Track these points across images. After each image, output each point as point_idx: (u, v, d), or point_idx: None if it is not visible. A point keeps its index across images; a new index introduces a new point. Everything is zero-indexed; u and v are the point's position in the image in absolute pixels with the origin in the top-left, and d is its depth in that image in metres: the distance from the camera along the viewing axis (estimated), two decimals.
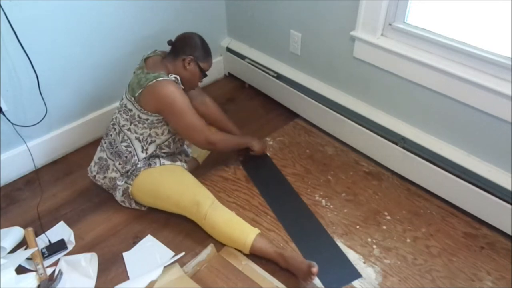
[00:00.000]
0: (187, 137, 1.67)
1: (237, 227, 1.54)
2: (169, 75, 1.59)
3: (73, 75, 1.89)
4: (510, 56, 1.39)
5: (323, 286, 1.46)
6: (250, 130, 2.16)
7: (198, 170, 1.91)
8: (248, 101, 2.41)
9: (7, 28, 1.57)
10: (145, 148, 1.64)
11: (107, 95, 2.06)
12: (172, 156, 1.75)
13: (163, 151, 1.70)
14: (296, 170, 1.94)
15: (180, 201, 1.60)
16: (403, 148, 1.78)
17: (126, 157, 1.64)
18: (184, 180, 1.65)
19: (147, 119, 1.59)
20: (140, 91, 1.55)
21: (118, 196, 1.71)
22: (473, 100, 1.50)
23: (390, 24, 1.66)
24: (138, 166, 1.65)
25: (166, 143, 1.69)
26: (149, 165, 1.66)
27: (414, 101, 1.71)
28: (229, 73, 2.60)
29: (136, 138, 1.63)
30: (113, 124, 1.68)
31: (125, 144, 1.64)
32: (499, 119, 1.46)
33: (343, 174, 1.92)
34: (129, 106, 1.60)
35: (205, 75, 1.69)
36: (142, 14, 1.99)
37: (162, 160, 1.68)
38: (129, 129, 1.62)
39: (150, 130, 1.62)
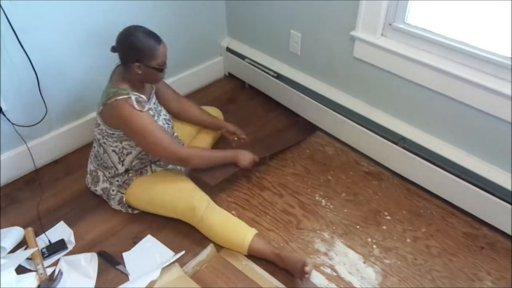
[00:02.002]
0: (152, 154, 1.58)
1: (233, 229, 1.54)
2: (130, 92, 1.48)
3: (73, 75, 1.89)
4: (510, 56, 1.39)
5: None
6: (250, 130, 2.16)
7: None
8: (248, 101, 2.41)
9: (7, 28, 1.57)
10: (121, 159, 1.61)
11: None
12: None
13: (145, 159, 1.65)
14: (296, 170, 1.94)
15: (175, 207, 1.59)
16: (403, 148, 1.78)
17: (111, 167, 1.64)
18: (177, 185, 1.63)
19: (113, 134, 1.55)
20: (101, 108, 1.52)
21: (114, 205, 1.71)
22: (473, 100, 1.50)
23: (390, 24, 1.66)
24: (130, 175, 1.65)
25: (143, 152, 1.61)
26: (141, 173, 1.66)
27: (414, 101, 1.71)
28: (229, 73, 2.60)
29: (112, 150, 1.60)
30: (94, 137, 1.66)
31: (105, 155, 1.63)
32: (499, 119, 1.46)
33: (343, 174, 1.92)
34: (98, 120, 1.57)
35: (163, 69, 1.52)
36: (142, 14, 1.98)
37: (154, 167, 1.67)
38: (104, 143, 1.59)
39: (121, 143, 1.57)
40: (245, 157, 1.70)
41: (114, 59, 1.99)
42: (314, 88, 2.06)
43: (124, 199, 1.67)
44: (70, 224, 1.70)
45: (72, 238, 1.63)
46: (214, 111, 2.06)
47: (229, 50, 2.46)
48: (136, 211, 1.71)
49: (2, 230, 1.61)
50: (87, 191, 1.83)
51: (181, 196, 1.59)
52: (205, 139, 1.96)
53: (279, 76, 2.21)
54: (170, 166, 1.72)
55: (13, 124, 1.75)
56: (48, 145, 1.95)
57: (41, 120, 1.82)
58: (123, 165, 1.62)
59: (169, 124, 1.69)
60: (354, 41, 1.78)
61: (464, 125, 1.59)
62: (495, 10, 1.41)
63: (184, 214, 1.59)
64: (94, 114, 2.05)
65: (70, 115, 1.99)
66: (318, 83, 2.07)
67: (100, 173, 1.68)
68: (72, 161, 2.00)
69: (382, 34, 1.70)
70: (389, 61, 1.68)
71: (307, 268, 1.39)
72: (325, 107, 2.02)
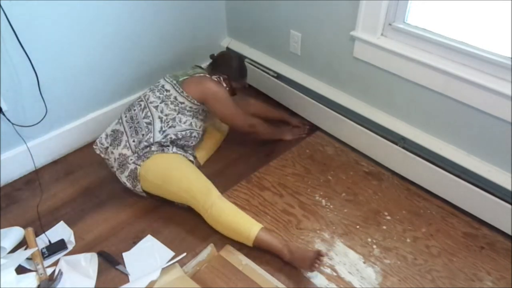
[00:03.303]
0: (231, 123, 1.89)
1: (242, 219, 1.55)
2: (212, 76, 1.80)
3: (73, 75, 1.89)
4: (510, 56, 1.39)
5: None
6: None
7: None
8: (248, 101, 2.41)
9: (7, 28, 1.57)
10: (163, 129, 1.68)
11: (107, 95, 2.06)
12: (182, 148, 1.78)
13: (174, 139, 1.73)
14: (296, 170, 1.94)
15: (191, 187, 1.60)
16: (403, 148, 1.78)
17: (143, 134, 1.66)
18: (196, 170, 1.69)
19: (182, 102, 1.71)
20: (185, 77, 1.74)
21: (123, 176, 1.70)
22: (473, 100, 1.50)
23: (390, 24, 1.66)
24: (152, 149, 1.66)
25: (183, 133, 1.72)
26: (163, 150, 1.68)
27: (414, 101, 1.71)
28: None
29: (159, 117, 1.69)
30: (140, 101, 1.76)
31: (146, 120, 1.68)
32: (499, 119, 1.46)
33: (343, 174, 1.92)
34: (167, 87, 1.73)
35: (241, 89, 1.92)
36: (142, 14, 1.98)
37: (176, 149, 1.72)
38: (156, 107, 1.70)
39: (177, 114, 1.70)
40: (290, 135, 2.12)
41: (115, 59, 2.00)
42: (314, 88, 2.06)
43: (137, 171, 1.65)
44: (70, 224, 1.70)
45: (72, 238, 1.63)
46: None
47: (229, 50, 2.46)
48: (138, 190, 1.70)
49: (2, 230, 1.61)
50: (87, 191, 1.84)
51: (198, 178, 1.64)
52: (206, 144, 1.99)
53: (279, 76, 2.21)
54: (190, 157, 1.77)
55: (13, 124, 1.75)
56: (48, 145, 1.95)
57: (41, 120, 1.82)
58: (163, 133, 1.68)
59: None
60: (354, 41, 1.78)
61: (464, 125, 1.59)
62: (495, 10, 1.41)
63: (196, 197, 1.59)
64: (94, 115, 2.07)
65: (70, 115, 1.99)
66: (318, 83, 2.07)
67: (124, 138, 1.69)
68: (72, 161, 2.01)
69: (382, 34, 1.70)
70: (389, 61, 1.69)
71: (322, 254, 1.45)
72: (325, 107, 2.02)
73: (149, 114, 1.70)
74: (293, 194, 1.82)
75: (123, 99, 2.12)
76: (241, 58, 1.94)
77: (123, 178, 1.71)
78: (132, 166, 1.67)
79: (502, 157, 1.54)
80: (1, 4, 1.51)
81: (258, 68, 2.30)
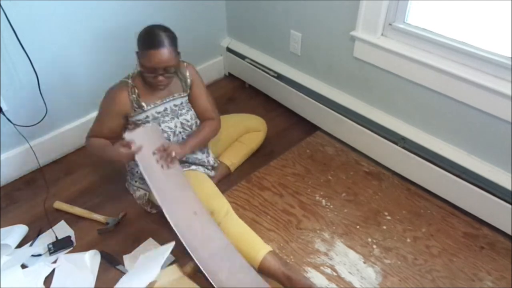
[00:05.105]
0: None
1: (249, 243, 1.50)
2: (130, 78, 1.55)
3: (73, 75, 1.89)
4: (510, 56, 1.39)
5: None
6: None
7: None
8: (248, 101, 2.41)
9: (7, 28, 1.57)
10: None
11: None
12: (186, 164, 1.70)
13: None
14: (296, 170, 1.94)
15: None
16: (403, 148, 1.78)
17: None
18: (200, 187, 1.61)
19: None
20: None
21: (136, 197, 1.72)
22: (473, 100, 1.50)
23: (390, 24, 1.66)
24: None
25: None
26: None
27: (414, 101, 1.71)
28: (229, 73, 2.60)
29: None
30: None
31: None
32: (499, 119, 1.46)
33: (343, 174, 1.92)
34: None
35: (155, 73, 1.45)
36: (142, 14, 1.98)
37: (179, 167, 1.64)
38: None
39: None
40: (123, 156, 1.53)
41: (115, 59, 2.00)
42: (314, 88, 2.06)
43: (147, 196, 1.66)
44: (70, 224, 1.70)
45: (73, 238, 1.63)
46: (257, 121, 2.03)
47: (229, 50, 2.46)
48: (154, 211, 1.71)
49: (6, 228, 1.63)
50: (87, 191, 1.84)
51: (201, 198, 1.56)
52: (241, 150, 1.95)
53: (279, 76, 2.21)
54: (193, 167, 1.69)
55: (13, 124, 1.74)
56: (48, 145, 1.95)
57: (41, 120, 1.82)
58: None
59: (185, 129, 1.66)
60: (354, 41, 1.78)
61: (464, 125, 1.59)
62: (495, 10, 1.41)
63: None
64: (94, 114, 2.04)
65: (70, 115, 1.99)
66: (318, 83, 2.07)
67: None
68: (72, 161, 2.01)
69: (382, 34, 1.70)
70: (389, 61, 1.69)
71: None
72: (325, 107, 2.02)
73: None
74: (293, 194, 1.82)
75: None
76: (151, 26, 1.45)
77: (137, 200, 1.72)
78: (140, 192, 1.68)
79: (502, 157, 1.54)
80: (1, 4, 1.52)
81: (258, 68, 2.30)
